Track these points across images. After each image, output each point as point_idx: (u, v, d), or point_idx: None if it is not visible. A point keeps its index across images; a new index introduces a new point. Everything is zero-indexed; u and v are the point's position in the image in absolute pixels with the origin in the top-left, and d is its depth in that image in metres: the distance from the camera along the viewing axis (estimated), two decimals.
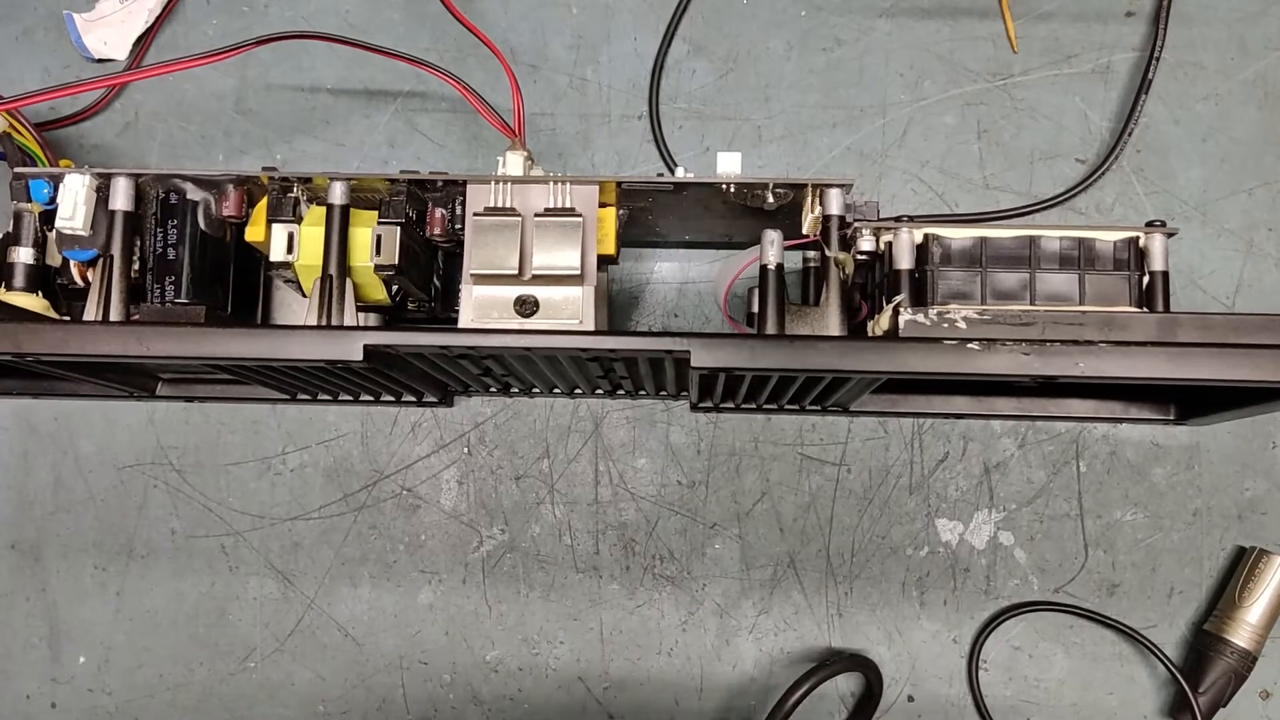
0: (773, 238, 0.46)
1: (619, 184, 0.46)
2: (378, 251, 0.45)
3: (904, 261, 0.45)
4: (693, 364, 0.39)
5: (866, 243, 0.46)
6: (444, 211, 0.47)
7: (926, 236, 0.45)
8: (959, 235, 0.45)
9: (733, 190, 0.46)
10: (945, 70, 0.59)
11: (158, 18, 0.60)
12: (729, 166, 0.46)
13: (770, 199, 0.47)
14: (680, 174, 0.46)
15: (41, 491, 0.57)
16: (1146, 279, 0.45)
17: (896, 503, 0.57)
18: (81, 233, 0.46)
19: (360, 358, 0.40)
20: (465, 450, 0.57)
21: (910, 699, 0.57)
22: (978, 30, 0.59)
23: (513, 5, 0.60)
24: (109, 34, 0.60)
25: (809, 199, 0.47)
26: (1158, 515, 0.57)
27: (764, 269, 0.46)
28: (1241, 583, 0.55)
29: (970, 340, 0.39)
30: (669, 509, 0.57)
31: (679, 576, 0.57)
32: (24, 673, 0.57)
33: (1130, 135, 0.58)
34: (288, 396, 0.54)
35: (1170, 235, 0.45)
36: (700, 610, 0.57)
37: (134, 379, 0.52)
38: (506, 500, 0.57)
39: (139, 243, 0.47)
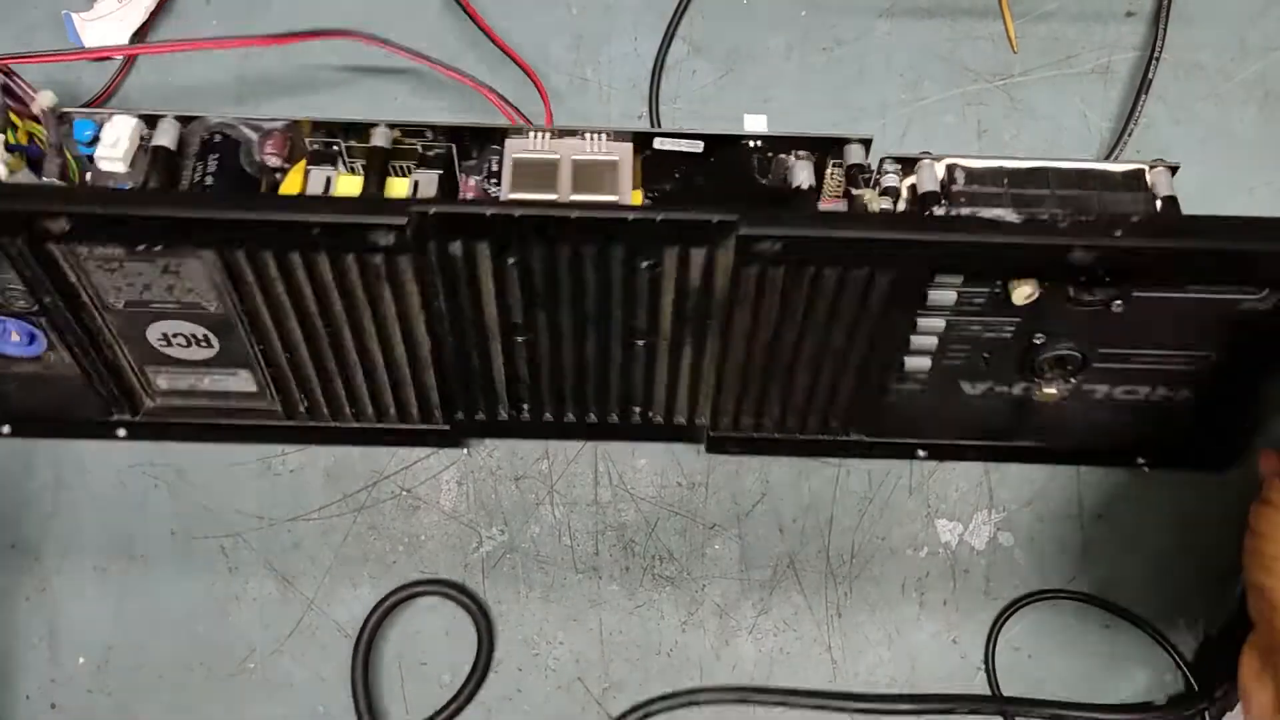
0: (803, 165, 0.48)
1: (644, 157, 0.47)
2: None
3: (929, 185, 0.47)
4: (741, 232, 0.38)
5: (890, 179, 0.48)
6: (478, 179, 0.47)
7: (949, 166, 0.47)
8: (980, 164, 0.47)
9: (757, 165, 0.47)
10: (945, 70, 0.59)
11: (152, 14, 0.60)
12: (755, 127, 0.46)
13: (799, 176, 0.48)
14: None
15: (41, 491, 0.57)
16: (1159, 203, 0.47)
17: (896, 503, 0.57)
18: (120, 168, 0.47)
19: (404, 222, 0.38)
20: (465, 451, 0.57)
21: None
22: (978, 30, 0.59)
23: (513, 5, 0.60)
24: (107, 32, 0.60)
25: (829, 168, 0.49)
26: (1158, 515, 0.57)
27: (796, 190, 0.47)
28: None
29: (1006, 218, 0.39)
30: (669, 510, 0.57)
31: (679, 577, 0.57)
32: (24, 673, 0.57)
33: (1130, 135, 0.58)
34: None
35: (1173, 170, 0.47)
36: (700, 611, 0.57)
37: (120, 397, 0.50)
38: (506, 501, 0.57)
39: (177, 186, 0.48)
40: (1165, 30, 0.58)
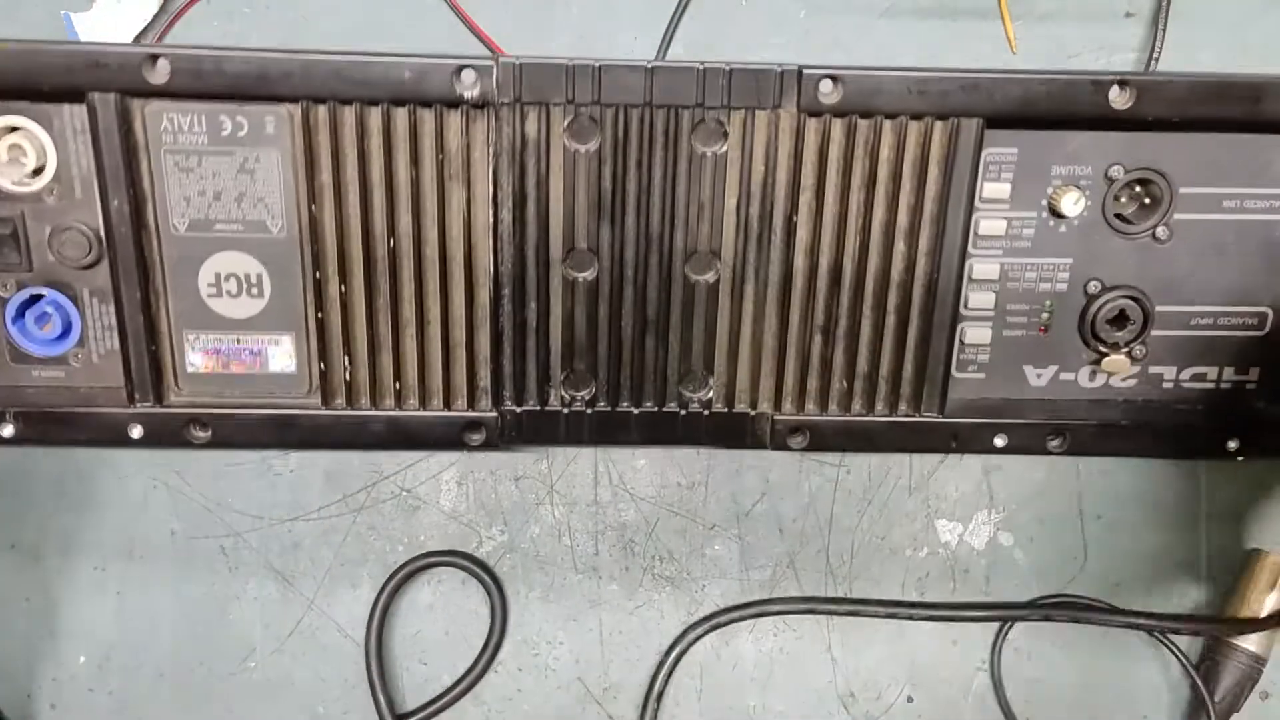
0: None
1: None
2: None
3: None
4: (805, 72, 0.42)
5: None
6: None
7: None
8: None
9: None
10: None
11: (155, 18, 0.60)
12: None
13: None
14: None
15: (41, 491, 0.57)
16: None
17: (896, 503, 0.57)
18: None
19: (492, 63, 0.42)
20: (465, 450, 0.57)
21: (909, 699, 0.57)
22: (978, 31, 0.59)
23: (513, 5, 0.60)
24: (107, 33, 0.60)
25: None
26: (1158, 515, 0.57)
27: None
28: (1248, 586, 0.55)
29: None
30: (668, 509, 0.57)
31: (678, 577, 0.57)
32: (24, 673, 0.57)
33: None
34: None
35: None
36: (700, 611, 0.57)
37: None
38: (506, 501, 0.57)
39: None
40: (1165, 31, 0.58)
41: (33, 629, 0.57)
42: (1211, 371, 0.48)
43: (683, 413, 0.47)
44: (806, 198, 0.44)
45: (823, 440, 0.47)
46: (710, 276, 0.45)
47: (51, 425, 0.46)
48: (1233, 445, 0.47)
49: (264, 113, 0.43)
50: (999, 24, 0.59)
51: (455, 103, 0.43)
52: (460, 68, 0.42)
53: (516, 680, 0.57)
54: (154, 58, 0.41)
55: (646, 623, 0.57)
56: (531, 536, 0.57)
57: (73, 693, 0.57)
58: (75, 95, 0.42)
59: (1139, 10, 0.59)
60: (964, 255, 0.45)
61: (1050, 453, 0.47)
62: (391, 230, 0.44)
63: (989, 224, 0.46)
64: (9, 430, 0.45)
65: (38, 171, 0.43)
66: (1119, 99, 0.43)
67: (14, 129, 0.43)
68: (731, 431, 0.47)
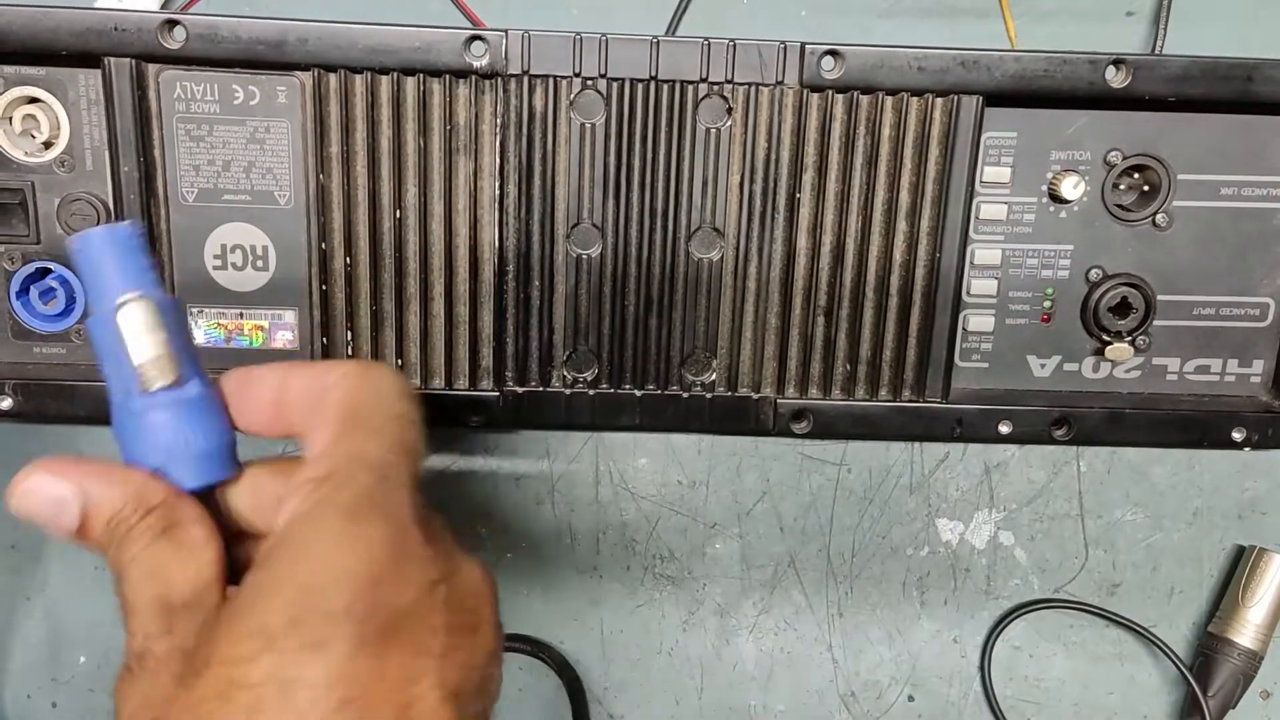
0: None
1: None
2: None
3: None
4: (807, 47, 0.44)
5: None
6: None
7: None
8: None
9: None
10: None
11: None
12: None
13: None
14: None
15: None
16: None
17: (897, 502, 0.57)
18: None
19: (502, 36, 0.42)
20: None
21: (910, 699, 0.57)
22: (978, 30, 0.59)
23: (513, 5, 0.60)
24: None
25: None
26: (1158, 515, 0.57)
27: None
28: (1244, 583, 0.55)
29: None
30: (670, 509, 0.57)
31: (679, 576, 0.57)
32: (24, 673, 0.57)
33: None
34: None
35: None
36: (700, 610, 0.57)
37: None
38: (506, 501, 0.57)
39: None
40: (1165, 30, 0.58)
41: (33, 629, 0.57)
42: (1215, 364, 0.48)
43: (685, 395, 0.47)
44: (809, 175, 0.44)
45: (826, 426, 0.47)
46: (714, 254, 0.45)
47: (50, 399, 0.45)
48: (1238, 436, 0.47)
49: (276, 82, 0.43)
50: (1000, 23, 0.60)
51: (465, 73, 0.43)
52: (471, 38, 0.42)
53: (517, 680, 0.56)
54: (171, 23, 0.41)
55: (647, 622, 0.57)
56: (532, 536, 0.57)
57: (73, 693, 0.57)
58: (92, 60, 0.42)
59: (1140, 9, 0.59)
60: (965, 239, 0.45)
61: (1055, 441, 0.47)
62: (398, 203, 0.44)
63: (990, 209, 0.46)
64: (7, 403, 0.45)
65: (49, 145, 0.43)
66: (1115, 78, 0.44)
67: (31, 100, 0.43)
68: (734, 415, 0.47)
